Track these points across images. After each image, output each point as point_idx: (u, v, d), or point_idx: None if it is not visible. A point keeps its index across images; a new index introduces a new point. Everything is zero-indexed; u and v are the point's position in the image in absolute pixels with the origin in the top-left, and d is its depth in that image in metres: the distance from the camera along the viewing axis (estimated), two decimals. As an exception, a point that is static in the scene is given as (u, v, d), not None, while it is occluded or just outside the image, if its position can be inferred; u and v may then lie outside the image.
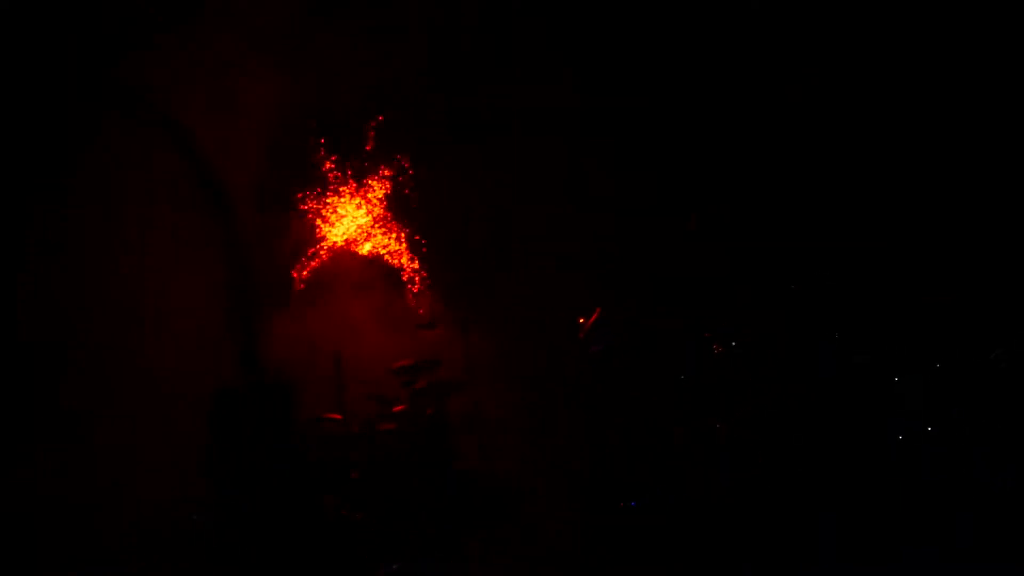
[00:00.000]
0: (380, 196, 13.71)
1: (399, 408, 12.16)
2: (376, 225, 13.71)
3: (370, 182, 13.68)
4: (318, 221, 13.59)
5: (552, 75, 13.23)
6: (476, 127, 13.39)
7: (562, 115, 13.22)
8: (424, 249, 13.68)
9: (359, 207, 13.68)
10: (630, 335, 12.66)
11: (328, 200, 13.61)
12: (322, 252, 13.59)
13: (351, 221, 13.68)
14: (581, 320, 12.75)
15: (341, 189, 13.63)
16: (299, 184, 13.55)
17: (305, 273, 13.50)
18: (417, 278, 13.65)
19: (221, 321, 12.37)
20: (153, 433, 11.60)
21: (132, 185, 12.26)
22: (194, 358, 11.87)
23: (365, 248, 13.69)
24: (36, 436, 11.37)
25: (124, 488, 11.35)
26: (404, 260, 13.67)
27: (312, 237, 13.58)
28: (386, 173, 13.67)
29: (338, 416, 12.22)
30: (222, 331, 12.33)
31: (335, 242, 13.62)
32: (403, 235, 13.71)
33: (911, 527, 10.72)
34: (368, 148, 13.62)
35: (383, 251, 13.69)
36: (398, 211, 13.71)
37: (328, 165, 13.57)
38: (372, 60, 12.97)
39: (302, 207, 13.54)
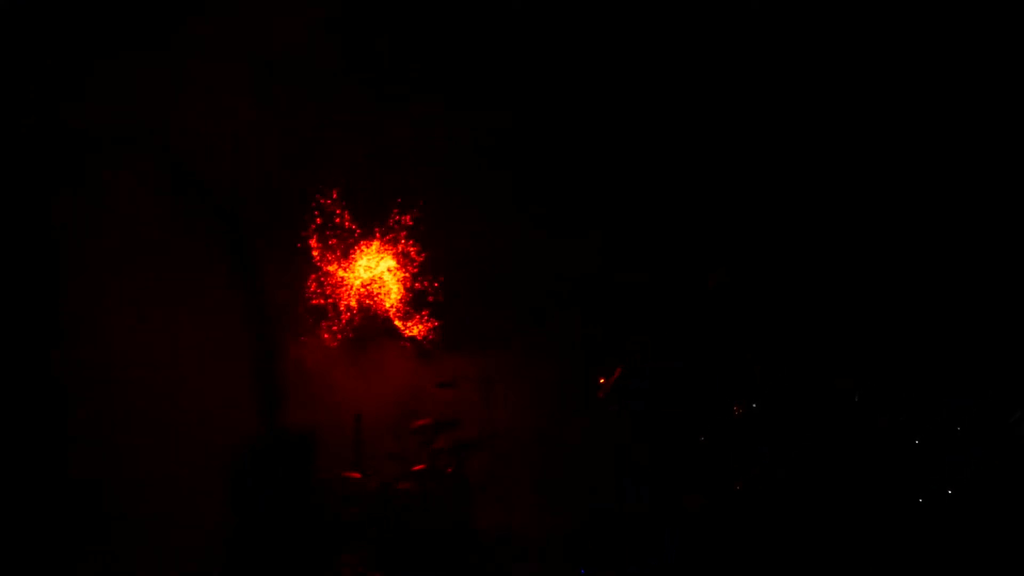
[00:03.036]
0: (400, 251, 13.42)
1: (418, 467, 12.17)
2: (396, 280, 13.45)
3: (390, 236, 13.42)
4: (337, 274, 13.39)
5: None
6: (499, 182, 13.18)
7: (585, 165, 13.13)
8: (444, 305, 13.42)
9: (379, 261, 13.43)
10: (650, 396, 12.58)
11: (346, 253, 13.41)
12: (341, 305, 13.39)
13: (369, 274, 13.43)
14: (602, 380, 12.66)
15: (361, 243, 13.41)
16: (318, 237, 13.40)
17: (323, 326, 13.34)
18: (437, 335, 13.44)
19: (241, 374, 12.39)
20: (170, 488, 11.52)
21: (150, 238, 12.15)
22: (213, 412, 11.89)
23: (385, 303, 13.45)
24: (47, 489, 11.34)
25: (138, 541, 11.35)
26: (424, 316, 13.45)
27: (331, 290, 13.40)
28: (406, 226, 13.42)
29: (357, 475, 12.17)
30: (242, 384, 12.35)
31: (354, 296, 13.40)
32: (423, 290, 13.41)
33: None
34: (389, 203, 13.42)
35: (403, 307, 13.45)
36: (418, 266, 13.43)
37: (347, 217, 13.38)
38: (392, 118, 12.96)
39: (320, 260, 13.36)
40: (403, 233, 13.43)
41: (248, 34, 12.35)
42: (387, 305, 13.49)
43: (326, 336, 13.36)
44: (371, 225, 13.49)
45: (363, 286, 13.47)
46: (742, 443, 12.14)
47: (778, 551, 10.88)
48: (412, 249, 13.43)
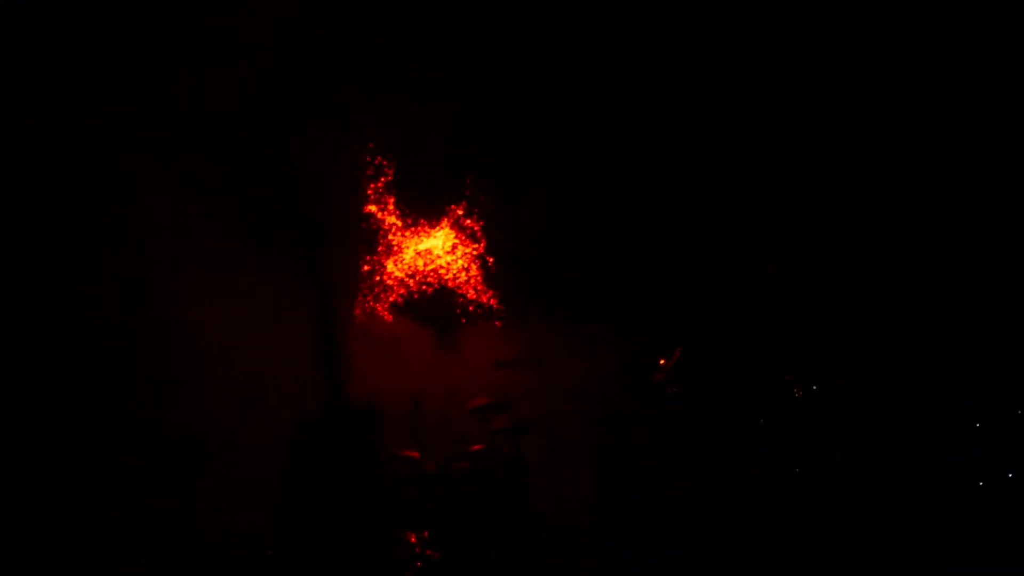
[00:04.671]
0: (457, 231, 13.64)
1: (476, 447, 12.34)
2: (454, 261, 13.62)
3: (446, 216, 13.61)
4: (394, 254, 13.56)
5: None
6: (553, 162, 13.37)
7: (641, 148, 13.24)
8: (502, 285, 13.62)
9: (437, 241, 13.62)
10: (709, 378, 12.65)
11: (405, 234, 13.57)
12: (400, 286, 13.57)
13: (429, 256, 13.62)
14: (662, 361, 12.63)
15: (418, 223, 13.60)
16: (379, 219, 13.52)
17: (382, 307, 13.49)
18: (496, 315, 13.59)
19: (304, 349, 12.33)
20: (232, 460, 11.75)
21: (216, 213, 12.38)
22: (277, 386, 11.88)
23: (444, 284, 13.62)
24: (109, 457, 11.31)
25: (195, 516, 11.50)
26: (482, 297, 13.60)
27: (389, 270, 13.56)
28: (462, 208, 13.60)
29: (415, 454, 12.45)
30: (306, 360, 12.30)
31: (413, 275, 13.59)
32: (482, 271, 13.63)
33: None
34: (444, 185, 13.57)
35: (462, 287, 13.62)
36: (476, 247, 13.64)
37: (404, 199, 13.52)
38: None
39: (382, 241, 13.51)
40: (461, 219, 13.70)
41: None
42: (447, 285, 13.73)
43: (385, 315, 13.58)
44: (430, 211, 13.71)
45: (422, 266, 13.70)
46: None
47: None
48: (470, 229, 13.71)
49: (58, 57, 11.76)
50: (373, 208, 13.49)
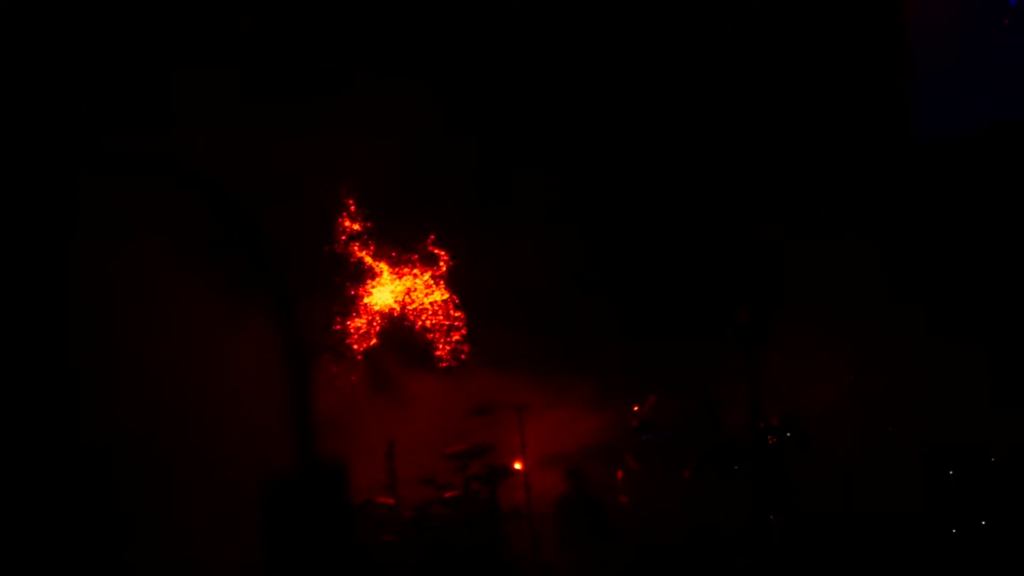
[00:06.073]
0: (432, 273, 13.61)
1: (451, 493, 12.13)
2: (430, 305, 13.57)
3: (419, 258, 13.59)
4: (368, 298, 13.43)
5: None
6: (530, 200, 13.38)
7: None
8: (479, 330, 13.56)
9: (409, 283, 13.58)
10: (684, 424, 12.53)
11: (373, 280, 13.50)
12: (373, 330, 13.44)
13: (405, 299, 13.53)
14: (636, 408, 12.58)
15: (394, 266, 13.52)
16: (342, 262, 13.46)
17: (356, 351, 13.35)
18: (471, 361, 13.51)
19: (274, 402, 12.26)
20: (204, 519, 11.44)
21: (182, 263, 12.14)
22: (247, 441, 11.83)
23: (417, 329, 13.54)
24: (84, 525, 11.13)
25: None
26: (458, 341, 13.55)
27: (359, 317, 13.43)
28: (435, 249, 13.57)
29: (391, 500, 12.20)
30: (275, 412, 12.23)
31: (385, 322, 13.48)
32: (456, 316, 13.56)
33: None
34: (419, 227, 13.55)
35: (438, 331, 13.54)
36: (450, 290, 13.57)
37: (374, 242, 13.43)
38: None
39: (348, 287, 13.41)
40: (430, 258, 13.68)
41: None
42: (422, 329, 13.63)
43: (359, 360, 13.47)
44: (399, 250, 13.61)
45: (393, 312, 13.60)
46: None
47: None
48: (441, 273, 13.63)
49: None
50: (348, 250, 13.44)
